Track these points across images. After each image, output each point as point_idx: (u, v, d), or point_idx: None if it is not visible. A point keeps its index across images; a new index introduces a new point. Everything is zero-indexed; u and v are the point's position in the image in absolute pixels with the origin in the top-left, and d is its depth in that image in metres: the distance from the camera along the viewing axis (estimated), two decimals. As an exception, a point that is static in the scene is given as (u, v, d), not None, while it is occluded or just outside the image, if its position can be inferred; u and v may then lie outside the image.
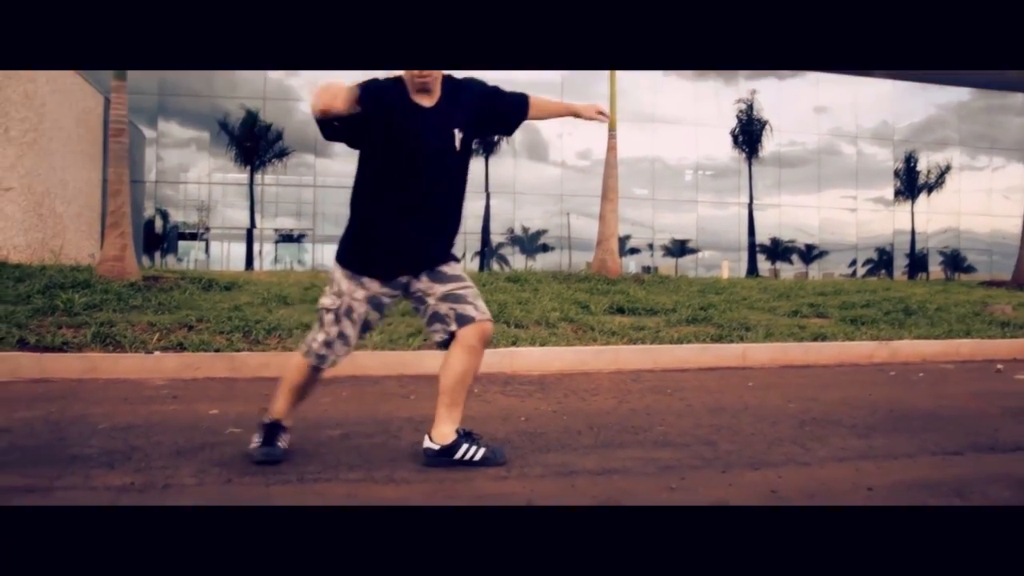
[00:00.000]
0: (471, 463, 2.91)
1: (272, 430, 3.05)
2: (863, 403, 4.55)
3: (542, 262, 32.80)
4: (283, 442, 3.06)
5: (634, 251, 35.89)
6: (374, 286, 2.97)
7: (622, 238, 36.84)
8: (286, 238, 34.13)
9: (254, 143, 30.02)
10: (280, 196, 32.69)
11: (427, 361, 5.71)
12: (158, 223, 30.87)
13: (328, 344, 2.98)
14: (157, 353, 5.69)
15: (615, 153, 13.03)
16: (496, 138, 31.25)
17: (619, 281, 11.27)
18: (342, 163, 33.62)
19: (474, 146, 3.19)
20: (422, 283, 2.98)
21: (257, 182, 31.09)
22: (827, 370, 6.15)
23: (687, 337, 6.82)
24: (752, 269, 30.98)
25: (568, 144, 34.56)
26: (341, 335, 2.97)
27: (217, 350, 5.83)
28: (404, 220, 2.92)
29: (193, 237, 31.08)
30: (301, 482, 2.72)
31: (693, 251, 35.63)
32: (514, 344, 6.28)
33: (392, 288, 3.01)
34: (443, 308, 2.95)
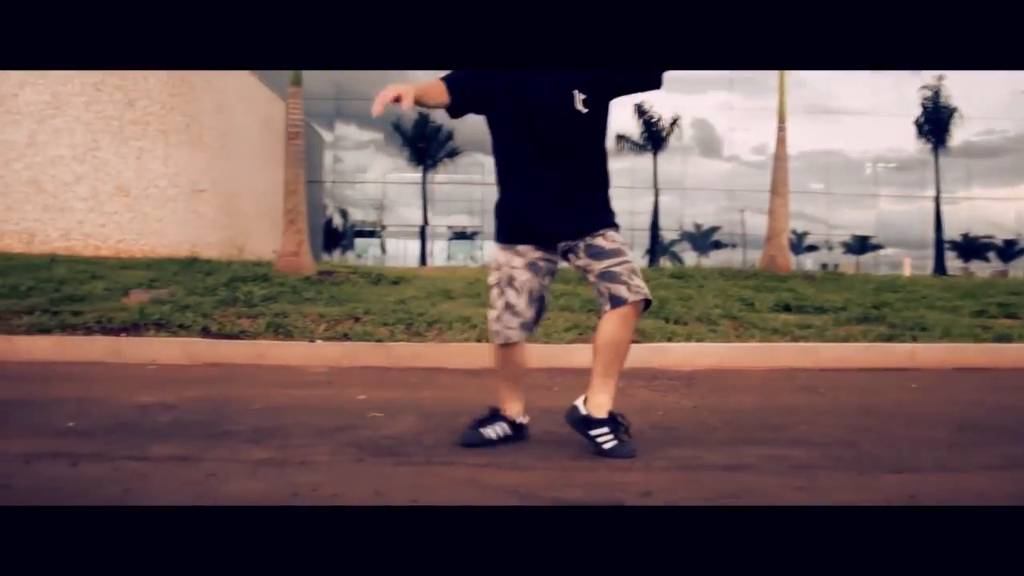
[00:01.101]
0: (599, 450, 2.91)
1: (489, 418, 3.19)
2: (1039, 410, 4.21)
3: (715, 259, 32.12)
4: (494, 430, 3.15)
5: (812, 248, 34.54)
6: (529, 252, 3.03)
7: (798, 235, 35.53)
8: (459, 235, 35.08)
9: (426, 143, 31.03)
10: (452, 194, 33.63)
11: (578, 355, 5.74)
12: (337, 221, 32.48)
13: (498, 318, 3.06)
14: (319, 342, 6.02)
15: (785, 146, 12.57)
16: (664, 133, 30.90)
17: (788, 278, 10.87)
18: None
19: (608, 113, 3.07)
20: (581, 259, 2.99)
21: (429, 181, 32.07)
22: (1006, 374, 5.68)
23: (854, 336, 6.50)
24: (940, 267, 28.95)
25: (742, 139, 33.70)
26: (507, 306, 3.03)
27: (379, 340, 6.08)
28: (535, 182, 2.95)
29: (370, 235, 32.52)
30: (428, 464, 2.81)
31: (876, 248, 33.85)
32: (669, 340, 6.20)
33: (549, 253, 3.04)
34: (600, 287, 2.96)
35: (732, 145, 34.01)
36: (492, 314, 3.09)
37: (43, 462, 2.82)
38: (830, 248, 34.31)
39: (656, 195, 31.62)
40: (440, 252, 34.21)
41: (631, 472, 2.71)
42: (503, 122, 3.01)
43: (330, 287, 8.69)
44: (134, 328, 6.55)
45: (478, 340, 5.97)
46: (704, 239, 35.57)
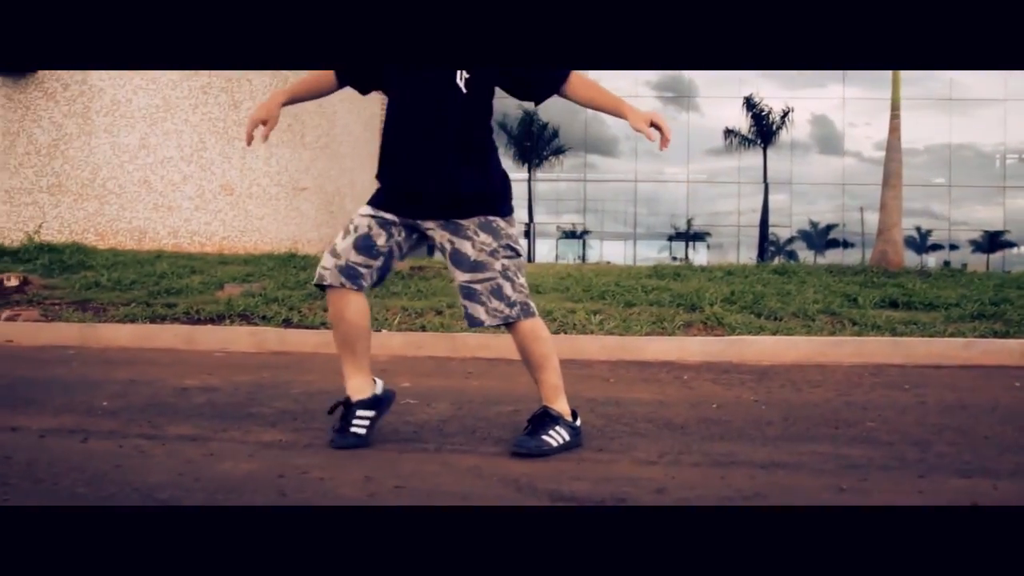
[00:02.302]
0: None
1: (344, 414, 2.77)
2: None
3: (831, 258, 30.90)
4: (355, 424, 2.75)
5: (936, 247, 32.83)
6: (382, 213, 2.73)
7: (922, 233, 33.84)
8: (568, 234, 34.98)
9: (532, 142, 30.98)
10: (559, 193, 33.53)
11: (651, 347, 5.48)
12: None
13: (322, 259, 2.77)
14: (384, 331, 5.95)
15: (899, 135, 11.85)
16: (775, 127, 29.90)
17: (899, 274, 10.24)
18: (625, 161, 33.92)
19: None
20: (447, 257, 2.74)
21: (534, 179, 32.05)
22: None
23: (962, 333, 5.97)
24: (1078, 264, 26.91)
25: (862, 134, 32.35)
26: (331, 246, 2.77)
27: (449, 330, 5.97)
28: (410, 151, 2.68)
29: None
30: (437, 451, 2.64)
31: (1009, 245, 31.84)
32: (757, 335, 5.84)
33: (408, 220, 2.73)
34: (461, 300, 2.74)
35: (853, 140, 32.50)
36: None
37: (56, 438, 2.81)
38: (954, 247, 32.48)
39: (766, 191, 30.62)
40: (549, 251, 34.16)
41: (654, 467, 2.45)
42: (394, 93, 2.76)
43: (419, 282, 8.68)
44: (218, 319, 6.68)
45: (555, 333, 5.76)
46: (820, 237, 34.26)
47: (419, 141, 2.65)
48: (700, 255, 34.03)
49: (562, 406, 2.76)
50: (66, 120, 14.04)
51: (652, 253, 34.20)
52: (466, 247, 2.68)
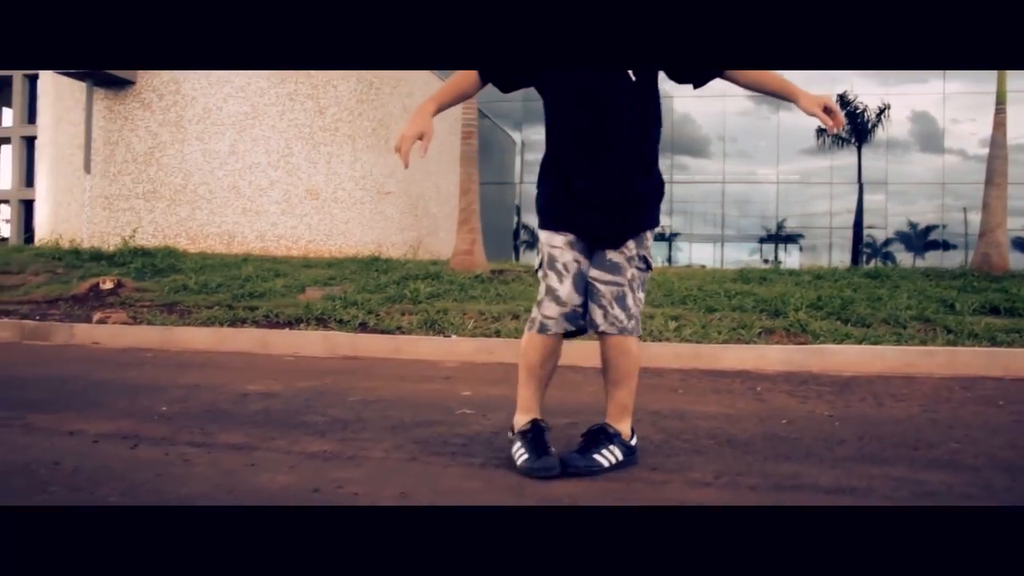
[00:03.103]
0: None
1: (535, 434, 2.56)
2: None
3: (931, 261, 29.66)
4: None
5: (1052, 252, 31.14)
6: (570, 235, 2.58)
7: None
8: (658, 237, 34.51)
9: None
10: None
11: (727, 355, 5.28)
12: (531, 222, 32.72)
13: (539, 303, 2.60)
14: (455, 337, 5.89)
15: (1004, 130, 11.22)
16: (870, 125, 28.85)
17: (1003, 278, 9.69)
18: (715, 162, 33.30)
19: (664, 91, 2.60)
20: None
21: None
22: None
23: (1071, 342, 5.57)
24: None
25: (966, 130, 30.99)
26: (548, 290, 2.58)
27: (523, 336, 5.88)
28: (582, 162, 2.51)
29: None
30: (483, 467, 2.53)
31: None
32: (842, 343, 5.57)
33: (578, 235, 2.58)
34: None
35: (955, 137, 31.18)
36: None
37: (109, 443, 2.83)
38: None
39: (860, 191, 29.57)
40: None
41: (708, 489, 2.28)
42: (552, 93, 2.59)
43: (498, 285, 8.62)
44: (296, 322, 6.75)
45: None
46: (919, 239, 32.95)
47: (597, 144, 2.49)
48: (792, 258, 33.18)
49: (624, 427, 2.63)
50: (161, 128, 14.52)
51: (743, 256, 33.50)
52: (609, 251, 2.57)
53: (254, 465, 2.50)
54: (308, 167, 15.06)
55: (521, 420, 2.64)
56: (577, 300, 2.55)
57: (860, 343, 5.55)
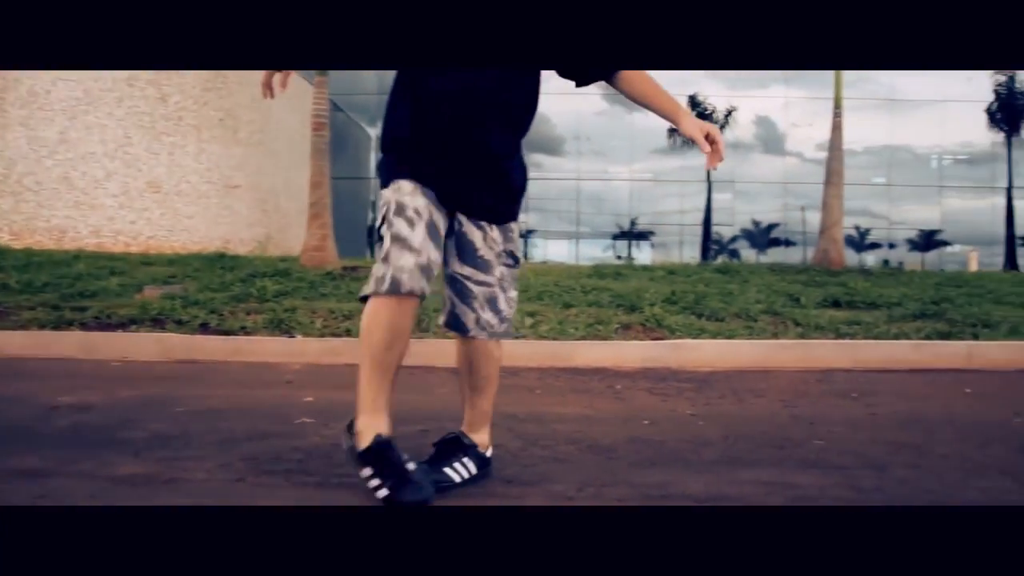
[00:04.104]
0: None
1: (385, 456, 2.12)
2: None
3: (773, 257, 31.13)
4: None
5: (874, 246, 33.24)
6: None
7: (861, 232, 34.21)
8: (514, 233, 34.71)
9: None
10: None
11: (585, 353, 5.15)
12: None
13: (384, 258, 2.12)
14: (300, 337, 5.53)
15: (840, 133, 11.76)
16: (719, 126, 29.90)
17: (841, 273, 10.14)
18: (569, 160, 33.73)
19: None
20: (449, 241, 2.29)
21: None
22: (1084, 378, 4.90)
23: (906, 333, 5.76)
24: (1010, 263, 27.25)
25: (805, 134, 32.60)
26: (395, 238, 2.12)
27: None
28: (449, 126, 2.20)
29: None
30: (320, 486, 2.23)
31: (943, 244, 32.38)
32: (697, 337, 5.56)
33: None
34: (448, 293, 2.31)
35: (794, 141, 32.79)
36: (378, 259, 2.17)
37: None
38: (892, 245, 32.95)
39: (709, 191, 30.63)
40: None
41: (571, 503, 2.08)
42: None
43: (350, 282, 8.27)
44: (130, 324, 6.20)
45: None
46: (762, 236, 34.48)
47: (469, 118, 2.19)
48: (644, 254, 34.04)
49: (482, 437, 2.39)
50: (-24, 112, 13.30)
51: (597, 252, 34.11)
52: (476, 236, 2.27)
53: (44, 496, 2.09)
54: (149, 158, 14.16)
55: (365, 430, 2.13)
56: (434, 253, 2.13)
57: (716, 337, 5.56)
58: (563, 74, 2.33)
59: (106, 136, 13.82)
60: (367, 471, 2.10)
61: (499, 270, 2.30)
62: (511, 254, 2.33)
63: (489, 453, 2.39)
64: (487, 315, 2.28)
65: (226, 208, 15.32)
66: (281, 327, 6.02)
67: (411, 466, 2.13)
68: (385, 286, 2.05)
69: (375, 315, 2.10)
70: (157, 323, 6.19)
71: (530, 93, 2.30)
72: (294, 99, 17.71)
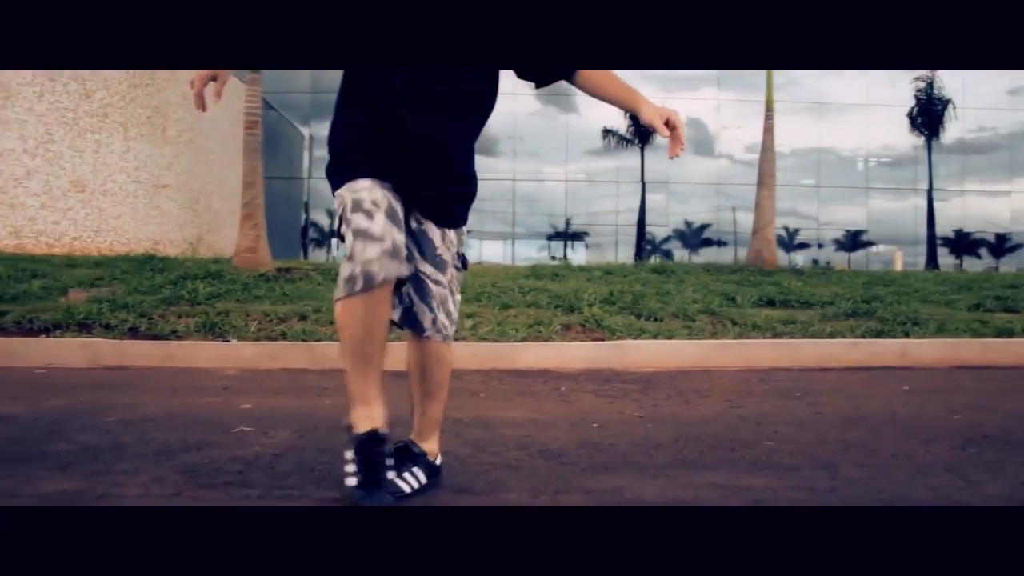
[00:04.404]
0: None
1: (371, 450, 2.07)
2: (1058, 417, 3.53)
3: (705, 257, 31.61)
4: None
5: (803, 246, 33.98)
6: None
7: (790, 232, 34.95)
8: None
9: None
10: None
11: (528, 354, 5.10)
12: (321, 220, 31.79)
13: (349, 257, 2.04)
14: (235, 341, 5.36)
15: (772, 136, 11.94)
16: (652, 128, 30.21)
17: (774, 272, 10.31)
18: (507, 161, 33.71)
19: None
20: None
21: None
22: (1011, 373, 5.02)
23: (840, 332, 5.86)
24: (932, 263, 28.22)
25: (734, 137, 33.14)
26: (357, 233, 2.04)
27: (319, 340, 5.45)
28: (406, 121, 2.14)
29: (355, 235, 31.71)
30: (261, 499, 2.12)
31: (868, 244, 33.29)
32: (637, 337, 5.56)
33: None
34: (408, 290, 2.22)
35: (725, 143, 33.29)
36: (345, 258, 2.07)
37: None
38: (820, 245, 33.76)
39: (643, 191, 30.95)
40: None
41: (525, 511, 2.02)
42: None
43: (285, 284, 8.08)
44: (54, 329, 5.93)
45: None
46: (695, 236, 34.98)
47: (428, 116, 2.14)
48: (579, 254, 34.21)
49: (432, 445, 2.31)
50: None
51: (532, 252, 34.14)
52: (435, 235, 2.21)
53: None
54: (73, 156, 13.65)
55: (360, 420, 2.07)
56: (399, 236, 2.04)
57: (656, 337, 5.57)
58: (521, 75, 2.26)
59: (26, 132, 13.30)
60: (349, 455, 2.07)
61: (451, 271, 2.26)
62: (462, 257, 2.30)
63: (439, 461, 2.32)
64: (442, 316, 2.23)
65: (155, 208, 14.88)
66: (214, 331, 5.84)
67: (390, 463, 2.11)
68: (359, 285, 1.98)
69: (349, 312, 2.03)
70: (84, 328, 5.94)
71: (486, 95, 2.24)
72: (226, 97, 17.30)
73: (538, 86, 2.32)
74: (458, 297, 2.31)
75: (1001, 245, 33.27)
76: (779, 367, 5.04)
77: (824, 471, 2.46)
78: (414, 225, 2.21)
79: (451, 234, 2.24)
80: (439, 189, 2.18)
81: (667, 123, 2.12)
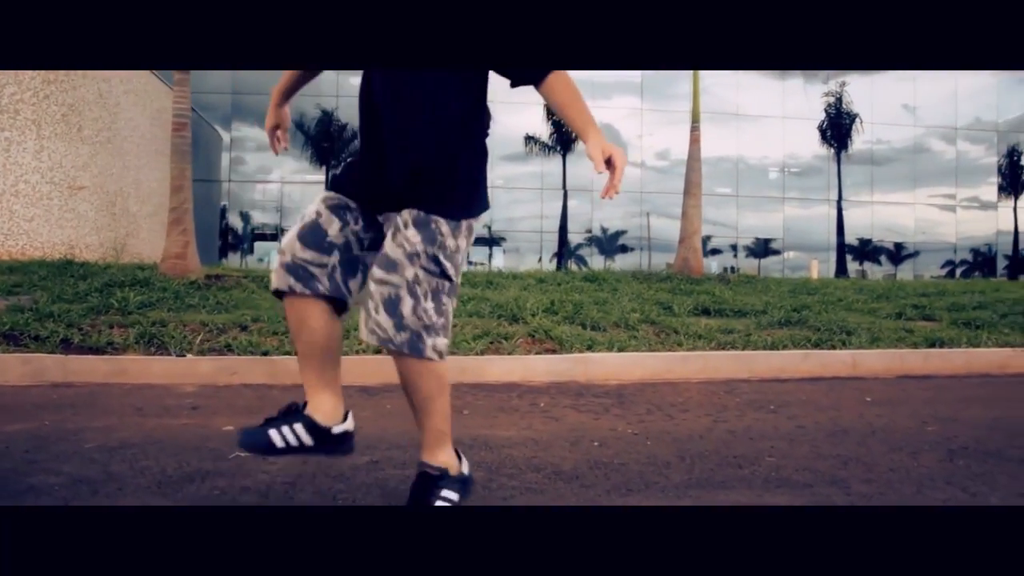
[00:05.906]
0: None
1: (283, 415, 2.19)
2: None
3: (621, 263, 32.10)
4: (283, 433, 2.14)
5: (716, 251, 34.86)
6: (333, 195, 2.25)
7: (704, 238, 35.87)
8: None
9: (330, 143, 29.96)
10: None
11: (492, 368, 5.09)
12: (237, 224, 31.05)
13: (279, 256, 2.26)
14: (190, 356, 5.19)
15: (698, 146, 12.21)
16: (573, 135, 30.61)
17: (703, 281, 10.56)
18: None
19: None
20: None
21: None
22: (954, 382, 5.27)
23: (782, 341, 6.04)
24: (841, 270, 29.44)
25: (648, 144, 33.74)
26: (291, 240, 2.22)
27: (265, 353, 5.31)
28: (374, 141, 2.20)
29: (273, 238, 31.10)
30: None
31: (777, 252, 34.41)
32: (590, 348, 5.61)
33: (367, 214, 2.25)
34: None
35: (639, 150, 33.86)
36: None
37: None
38: (735, 253, 34.72)
39: (565, 198, 31.28)
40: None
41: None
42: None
43: (217, 292, 7.85)
44: (-22, 341, 5.61)
45: (377, 352, 5.20)
46: (611, 243, 35.50)
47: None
48: (497, 260, 34.33)
49: (445, 456, 2.23)
50: None
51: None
52: (388, 234, 2.13)
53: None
54: (-22, 156, 13.01)
55: (312, 411, 2.20)
56: (300, 250, 2.12)
57: (611, 349, 5.63)
58: (501, 72, 2.21)
59: (-71, 131, 12.61)
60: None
61: (411, 271, 2.08)
62: (435, 259, 2.11)
63: (466, 469, 2.28)
64: (380, 317, 2.05)
65: (70, 211, 14.27)
66: (153, 342, 5.63)
67: (299, 427, 2.18)
68: (272, 288, 2.21)
69: (285, 308, 2.24)
70: (11, 339, 5.63)
71: (463, 92, 2.21)
72: (143, 95, 16.78)
73: (512, 85, 2.24)
74: (429, 304, 2.09)
75: (899, 253, 34.85)
76: (738, 378, 5.16)
77: (835, 487, 2.54)
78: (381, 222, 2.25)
79: (409, 231, 2.09)
80: (393, 174, 2.15)
81: (608, 161, 2.08)
